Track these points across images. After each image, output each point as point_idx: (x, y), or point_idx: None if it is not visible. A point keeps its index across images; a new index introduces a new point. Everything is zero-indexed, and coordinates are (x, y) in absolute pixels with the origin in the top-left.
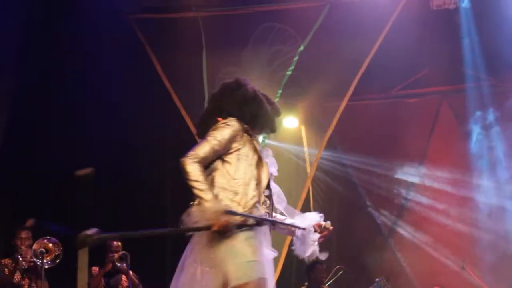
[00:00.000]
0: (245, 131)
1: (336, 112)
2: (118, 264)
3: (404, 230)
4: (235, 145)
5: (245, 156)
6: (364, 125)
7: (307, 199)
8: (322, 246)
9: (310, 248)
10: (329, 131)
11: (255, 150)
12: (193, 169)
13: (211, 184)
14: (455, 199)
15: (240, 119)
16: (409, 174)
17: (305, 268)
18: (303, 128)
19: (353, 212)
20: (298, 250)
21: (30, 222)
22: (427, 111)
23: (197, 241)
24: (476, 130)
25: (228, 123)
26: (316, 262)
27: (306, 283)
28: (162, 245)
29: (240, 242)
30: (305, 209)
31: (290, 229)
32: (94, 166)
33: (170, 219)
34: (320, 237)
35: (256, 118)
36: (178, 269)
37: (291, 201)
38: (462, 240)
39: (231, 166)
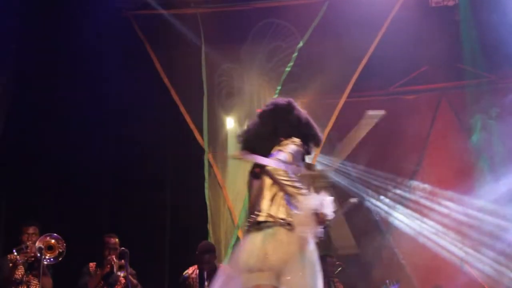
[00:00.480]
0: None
1: (335, 108)
2: (119, 273)
3: (403, 224)
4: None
5: None
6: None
7: None
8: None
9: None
10: (328, 128)
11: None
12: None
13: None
14: (455, 194)
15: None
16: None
17: None
18: None
19: (353, 209)
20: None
21: None
22: (426, 108)
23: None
24: (475, 127)
25: (297, 143)
26: (326, 255)
27: None
28: (161, 241)
29: None
30: None
31: None
32: (92, 164)
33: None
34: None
35: (307, 139)
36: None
37: None
38: (462, 236)
39: None
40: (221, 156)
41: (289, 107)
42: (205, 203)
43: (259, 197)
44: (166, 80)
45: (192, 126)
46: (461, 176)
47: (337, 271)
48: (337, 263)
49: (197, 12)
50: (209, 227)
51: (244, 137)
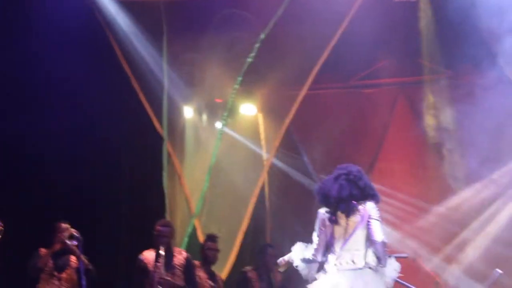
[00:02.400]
0: None
1: (294, 100)
2: (68, 242)
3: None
4: None
5: None
6: (322, 114)
7: (263, 187)
8: (286, 234)
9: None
10: (287, 120)
11: None
12: None
13: None
14: (412, 189)
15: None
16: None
17: (257, 251)
18: (260, 116)
19: (310, 201)
20: None
21: None
22: (385, 102)
23: None
24: (432, 121)
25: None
26: (267, 245)
27: (255, 265)
28: (117, 229)
29: None
30: (260, 197)
31: None
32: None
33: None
34: None
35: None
36: None
37: (247, 189)
38: (417, 229)
39: None
40: (180, 144)
41: (362, 173)
42: (163, 191)
43: (355, 246)
44: (126, 68)
45: (151, 114)
46: (417, 169)
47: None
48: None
49: (159, 1)
50: (167, 215)
51: (337, 196)
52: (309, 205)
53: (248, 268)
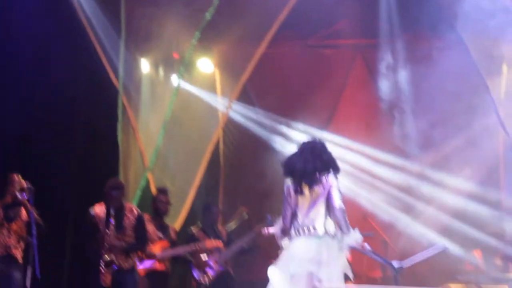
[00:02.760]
0: None
1: (252, 58)
2: (18, 194)
3: None
4: None
5: None
6: (279, 72)
7: (217, 144)
8: (240, 189)
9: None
10: (244, 77)
11: None
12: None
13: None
14: (365, 149)
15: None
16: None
17: (202, 208)
18: (217, 72)
19: (264, 157)
20: None
21: None
22: (342, 62)
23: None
24: (387, 83)
25: (334, 176)
26: (211, 203)
27: (200, 224)
28: (68, 181)
29: None
30: (215, 153)
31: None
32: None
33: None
34: None
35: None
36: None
37: (202, 145)
38: (367, 190)
39: None
40: (136, 98)
41: (325, 146)
42: (117, 144)
43: (317, 215)
44: (83, 20)
45: (107, 67)
46: (371, 129)
47: (241, 217)
48: (242, 207)
49: None
50: (120, 168)
51: (301, 169)
52: (263, 161)
53: (194, 227)
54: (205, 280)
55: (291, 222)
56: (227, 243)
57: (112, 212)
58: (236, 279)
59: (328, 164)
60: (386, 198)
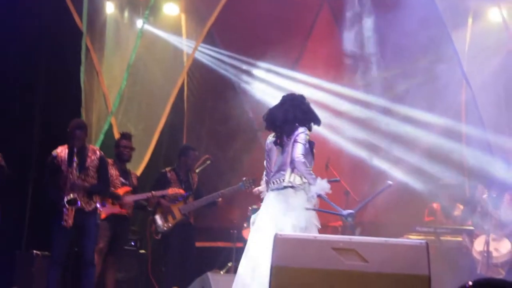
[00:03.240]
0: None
1: (218, 3)
2: None
3: None
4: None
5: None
6: (246, 19)
7: (181, 88)
8: (203, 135)
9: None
10: (209, 23)
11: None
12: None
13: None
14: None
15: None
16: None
17: (178, 151)
18: (183, 17)
19: (228, 101)
20: None
21: None
22: (308, 10)
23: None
24: (351, 31)
25: (306, 132)
26: (189, 147)
27: (175, 165)
28: (31, 123)
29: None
30: (179, 97)
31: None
32: None
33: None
34: None
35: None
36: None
37: (167, 89)
38: (327, 142)
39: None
40: (100, 40)
41: (302, 98)
42: (80, 87)
43: (283, 166)
44: None
45: (71, 7)
46: (333, 78)
47: (205, 164)
48: (206, 156)
49: None
50: (83, 111)
51: (282, 119)
52: (227, 105)
53: (168, 168)
54: (165, 226)
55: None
56: (196, 192)
57: (74, 152)
58: (196, 227)
59: (307, 114)
60: (353, 138)
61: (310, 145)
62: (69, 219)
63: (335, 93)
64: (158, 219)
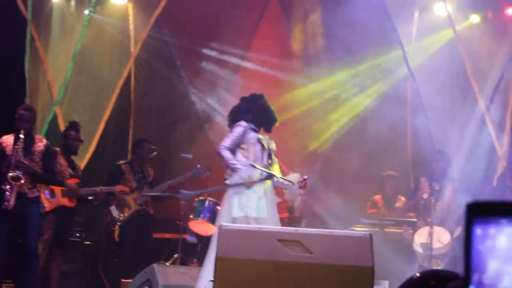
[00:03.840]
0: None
1: None
2: None
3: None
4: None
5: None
6: (193, 7)
7: (128, 78)
8: (150, 126)
9: (297, 198)
10: (157, 12)
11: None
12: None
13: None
14: (276, 82)
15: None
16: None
17: (132, 144)
18: (130, 6)
19: (174, 94)
20: (287, 196)
21: None
22: (257, 1)
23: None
24: (300, 24)
25: (244, 125)
26: (144, 140)
27: (129, 158)
28: None
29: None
30: (125, 87)
31: (282, 182)
32: None
33: None
34: (302, 188)
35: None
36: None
37: (113, 79)
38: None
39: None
40: (45, 29)
41: (258, 98)
42: (24, 76)
43: None
44: None
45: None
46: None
47: (153, 154)
48: (153, 147)
49: None
50: (27, 101)
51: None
52: (174, 96)
53: (122, 161)
54: (121, 217)
55: None
56: (152, 184)
57: (21, 135)
58: (154, 218)
59: (250, 111)
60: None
61: (259, 140)
62: (10, 200)
63: (283, 84)
64: (114, 210)
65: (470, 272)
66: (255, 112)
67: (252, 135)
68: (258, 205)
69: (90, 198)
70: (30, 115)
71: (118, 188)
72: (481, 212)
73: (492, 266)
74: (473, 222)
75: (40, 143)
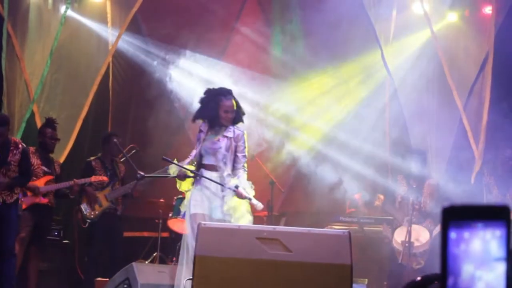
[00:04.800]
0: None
1: None
2: None
3: None
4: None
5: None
6: (171, 4)
7: (106, 75)
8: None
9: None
10: (134, 9)
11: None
12: None
13: None
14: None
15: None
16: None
17: (101, 140)
18: (108, 4)
19: (152, 92)
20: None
21: None
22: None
23: None
24: (278, 24)
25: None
26: (112, 134)
27: (99, 154)
28: None
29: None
30: (103, 84)
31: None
32: None
33: None
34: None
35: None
36: None
37: (90, 76)
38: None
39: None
40: (22, 26)
41: (207, 91)
42: (1, 74)
43: None
44: None
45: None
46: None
47: (131, 153)
48: (131, 145)
49: None
50: (4, 99)
51: None
52: (152, 93)
53: (92, 157)
54: (92, 214)
55: None
56: (123, 180)
57: None
58: (123, 217)
59: (200, 106)
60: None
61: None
62: None
63: (259, 85)
64: (85, 207)
65: (446, 275)
66: (200, 107)
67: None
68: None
69: (65, 192)
70: (4, 129)
71: (94, 178)
72: (457, 216)
73: (466, 270)
74: (449, 226)
75: (16, 151)
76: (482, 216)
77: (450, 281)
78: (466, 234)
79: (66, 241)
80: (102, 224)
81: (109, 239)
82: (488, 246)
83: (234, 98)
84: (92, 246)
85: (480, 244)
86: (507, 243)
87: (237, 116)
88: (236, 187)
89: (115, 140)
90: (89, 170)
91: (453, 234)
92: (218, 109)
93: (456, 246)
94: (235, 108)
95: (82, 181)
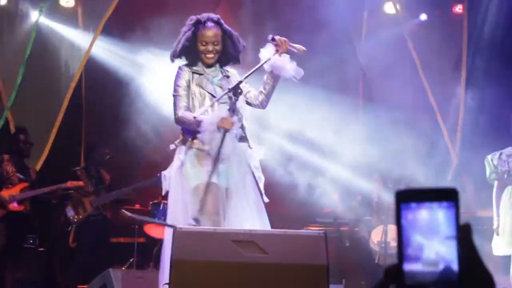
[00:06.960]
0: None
1: None
2: None
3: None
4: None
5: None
6: (145, 7)
7: (79, 81)
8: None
9: (288, 67)
10: (107, 14)
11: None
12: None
13: None
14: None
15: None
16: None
17: (86, 149)
18: (80, 9)
19: (127, 95)
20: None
21: None
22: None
23: None
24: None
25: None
26: (96, 143)
27: (84, 164)
28: None
29: None
30: (77, 91)
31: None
32: None
33: None
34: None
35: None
36: None
37: (64, 84)
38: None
39: None
40: None
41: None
42: None
43: None
44: None
45: None
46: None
47: (106, 158)
48: (106, 150)
49: None
50: None
51: None
52: (126, 99)
53: (78, 167)
54: (76, 219)
55: None
56: (108, 187)
57: None
58: (111, 222)
59: None
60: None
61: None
62: None
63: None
64: (69, 211)
65: (401, 249)
66: None
67: None
68: None
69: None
70: None
71: (69, 183)
72: (409, 198)
73: (415, 239)
74: (401, 208)
75: None
76: (429, 197)
77: (404, 252)
78: (413, 205)
79: (42, 249)
80: (88, 231)
81: (96, 246)
82: (437, 221)
83: (222, 27)
84: (78, 252)
85: (428, 214)
86: (457, 222)
87: (226, 55)
88: None
89: (100, 148)
90: (73, 178)
91: (404, 213)
92: (195, 41)
93: (405, 219)
94: (219, 40)
95: (55, 187)
